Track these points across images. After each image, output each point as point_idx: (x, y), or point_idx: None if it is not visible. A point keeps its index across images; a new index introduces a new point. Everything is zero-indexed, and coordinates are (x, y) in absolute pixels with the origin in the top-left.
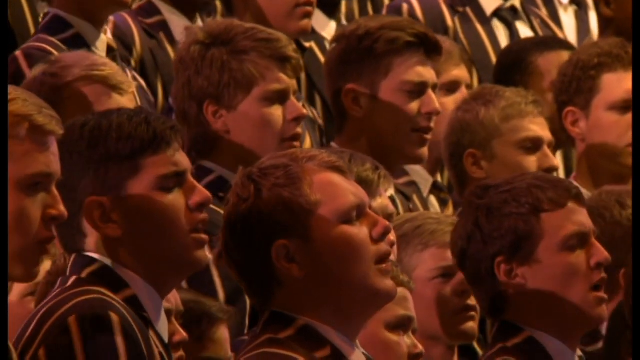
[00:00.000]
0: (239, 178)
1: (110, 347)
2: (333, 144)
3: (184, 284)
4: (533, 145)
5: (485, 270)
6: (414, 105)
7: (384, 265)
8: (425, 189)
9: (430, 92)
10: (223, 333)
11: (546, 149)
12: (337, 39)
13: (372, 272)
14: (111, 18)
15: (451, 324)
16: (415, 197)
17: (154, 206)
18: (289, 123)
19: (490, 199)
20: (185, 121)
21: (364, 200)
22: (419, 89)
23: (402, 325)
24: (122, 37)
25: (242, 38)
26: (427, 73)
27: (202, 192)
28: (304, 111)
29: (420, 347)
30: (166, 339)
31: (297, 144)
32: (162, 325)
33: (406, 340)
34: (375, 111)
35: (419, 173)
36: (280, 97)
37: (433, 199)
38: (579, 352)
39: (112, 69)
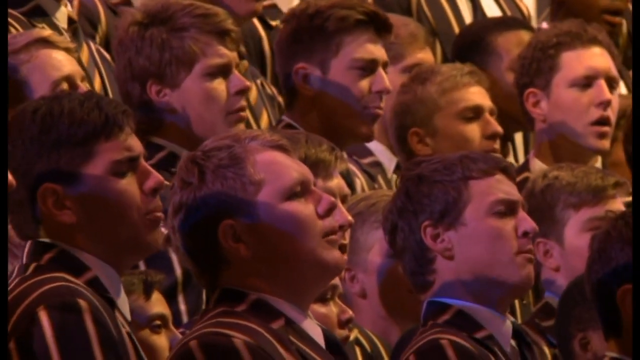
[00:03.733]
0: (182, 162)
1: (82, 334)
2: (284, 117)
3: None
4: (474, 114)
5: (415, 242)
6: (364, 84)
7: (332, 237)
8: (389, 169)
9: (380, 70)
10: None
11: (487, 116)
12: (287, 18)
13: (320, 245)
14: None
15: (409, 302)
16: (380, 178)
17: (108, 192)
18: (233, 96)
19: (421, 169)
20: (130, 102)
21: (308, 177)
22: (369, 67)
23: (324, 294)
24: (87, 14)
25: (180, 15)
26: (377, 51)
27: (155, 176)
28: (247, 83)
29: (350, 312)
30: (129, 317)
31: (243, 114)
32: (124, 303)
33: (333, 309)
34: (325, 90)
35: (383, 153)
36: (223, 71)
37: (396, 180)
38: (510, 318)
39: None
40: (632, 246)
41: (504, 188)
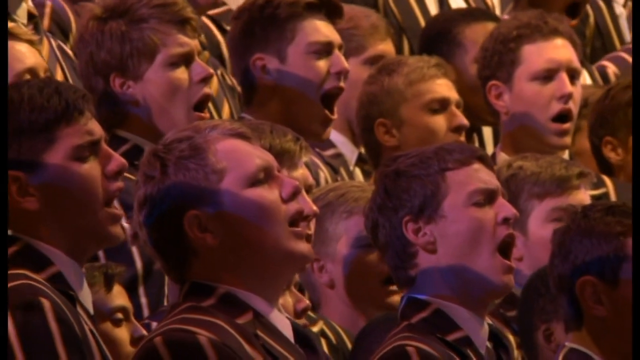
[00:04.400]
0: (144, 157)
1: (45, 334)
2: (243, 115)
3: (102, 253)
4: (440, 106)
5: (396, 237)
6: (322, 66)
7: (298, 229)
8: (351, 160)
9: (337, 51)
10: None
11: (454, 109)
12: (237, 15)
13: (286, 234)
14: (49, 3)
15: (377, 293)
16: (342, 170)
17: (70, 177)
18: (196, 84)
19: (398, 165)
20: (94, 96)
21: (271, 163)
22: (326, 50)
23: None
24: (59, 22)
25: (138, 7)
26: (331, 34)
27: (117, 159)
28: (211, 70)
29: (306, 302)
30: (91, 310)
31: (204, 115)
32: (87, 298)
33: (288, 299)
34: (284, 78)
35: (345, 145)
36: (185, 60)
37: (358, 171)
38: (488, 320)
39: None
40: (591, 239)
41: (482, 177)
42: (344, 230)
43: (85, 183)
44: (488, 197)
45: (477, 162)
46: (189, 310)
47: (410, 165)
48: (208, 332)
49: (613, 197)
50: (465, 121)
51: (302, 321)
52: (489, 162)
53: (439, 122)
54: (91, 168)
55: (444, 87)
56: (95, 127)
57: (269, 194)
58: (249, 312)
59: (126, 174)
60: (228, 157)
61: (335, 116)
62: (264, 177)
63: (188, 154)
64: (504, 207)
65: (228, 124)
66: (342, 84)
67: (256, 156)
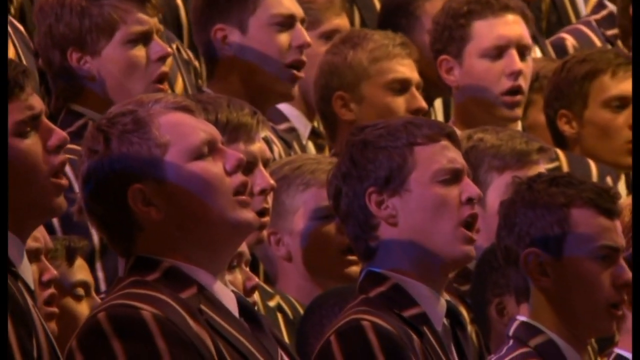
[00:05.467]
0: (88, 131)
1: None
2: (205, 89)
3: (58, 227)
4: (401, 86)
5: (359, 207)
6: (283, 39)
7: (242, 197)
8: (304, 135)
9: (299, 25)
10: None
11: (414, 91)
12: None
13: (231, 204)
14: None
15: (336, 264)
16: (295, 144)
17: (12, 153)
18: (154, 63)
19: (365, 135)
20: (51, 69)
21: (215, 136)
22: (288, 22)
23: (230, 262)
24: None
25: None
26: (294, 6)
27: (58, 133)
28: (169, 49)
29: (255, 279)
30: (31, 285)
31: (163, 86)
32: (26, 270)
33: (238, 276)
34: (245, 49)
35: (298, 119)
36: (144, 38)
37: (311, 145)
38: (446, 297)
39: None
40: (534, 210)
41: (449, 155)
42: (301, 203)
43: (27, 159)
44: (454, 176)
45: (446, 139)
46: (133, 285)
47: (378, 136)
48: (152, 307)
49: (566, 169)
50: (424, 104)
51: (250, 299)
52: (457, 139)
53: (398, 102)
54: (32, 143)
55: (406, 68)
56: (36, 102)
57: (212, 167)
58: (193, 287)
59: (78, 148)
60: (171, 130)
61: (302, 74)
62: (208, 150)
63: (131, 128)
64: (468, 187)
65: (171, 97)
66: (303, 57)
67: (200, 129)
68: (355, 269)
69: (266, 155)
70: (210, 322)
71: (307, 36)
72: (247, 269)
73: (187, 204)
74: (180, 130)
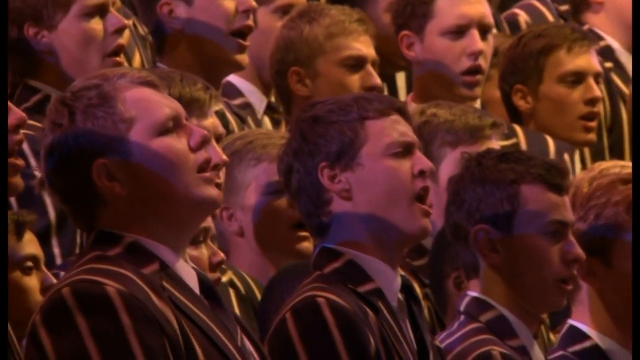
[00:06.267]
0: (52, 104)
1: None
2: (158, 64)
3: (15, 203)
4: (356, 63)
5: (311, 183)
6: (229, 5)
7: (206, 174)
8: (259, 110)
9: None
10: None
11: (369, 68)
12: None
13: (195, 181)
14: None
15: (287, 239)
16: (249, 119)
17: None
18: (110, 36)
19: (316, 111)
20: (8, 45)
21: (179, 112)
22: None
23: (196, 237)
24: None
25: None
26: None
27: (16, 112)
28: (125, 22)
29: (222, 255)
30: None
31: (120, 59)
32: None
33: (204, 252)
34: (192, 20)
35: (254, 94)
36: (100, 11)
37: (267, 120)
38: (400, 271)
39: None
40: (484, 186)
41: (400, 129)
42: (253, 178)
43: None
44: (405, 149)
45: (396, 113)
46: (95, 260)
47: (328, 111)
48: (116, 282)
49: (524, 146)
50: (378, 81)
51: (215, 275)
52: (407, 114)
53: (353, 79)
54: None
55: (363, 45)
56: None
57: (177, 143)
58: (155, 263)
59: (35, 123)
60: (137, 105)
61: (248, 43)
62: (173, 126)
63: (97, 102)
64: (420, 160)
65: (137, 72)
66: (250, 22)
67: (165, 105)
68: (306, 245)
69: (219, 131)
70: (172, 299)
71: (253, 1)
72: (213, 245)
73: (151, 179)
74: (146, 105)
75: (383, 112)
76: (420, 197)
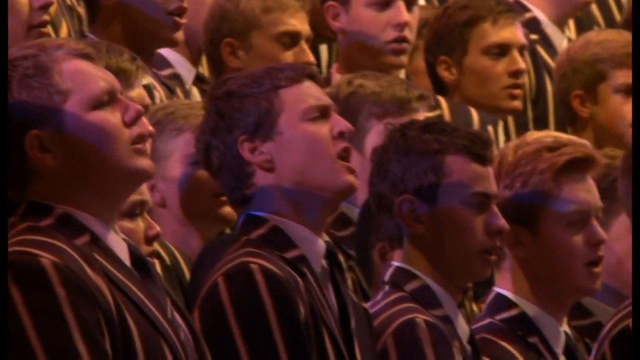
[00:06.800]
0: None
1: None
2: (88, 34)
3: None
4: (291, 39)
5: (232, 158)
6: None
7: (139, 145)
8: (188, 80)
9: None
10: None
11: (303, 44)
12: None
13: (128, 153)
14: None
15: (210, 206)
16: (178, 90)
17: None
18: (36, 11)
19: (228, 86)
20: None
21: (115, 86)
22: None
23: (132, 210)
24: None
25: None
26: None
27: None
28: None
29: (157, 228)
30: None
31: (45, 30)
32: None
33: (140, 224)
34: None
35: (182, 64)
36: None
37: (196, 91)
38: (324, 237)
39: None
40: (408, 157)
41: (315, 94)
42: (174, 148)
43: None
44: (322, 113)
45: (308, 79)
46: (27, 231)
47: (241, 85)
48: (50, 254)
49: (447, 117)
50: (312, 58)
51: (150, 248)
52: (319, 79)
53: (287, 56)
54: None
55: (298, 21)
56: None
57: (111, 117)
58: (86, 234)
59: None
60: (73, 77)
61: (184, 20)
62: (108, 100)
63: (33, 73)
64: (338, 122)
65: (74, 44)
66: (185, 4)
67: (101, 78)
68: (228, 210)
69: (145, 102)
70: (105, 270)
71: None
72: (149, 218)
73: (84, 152)
74: (82, 78)
75: (295, 79)
76: (343, 156)
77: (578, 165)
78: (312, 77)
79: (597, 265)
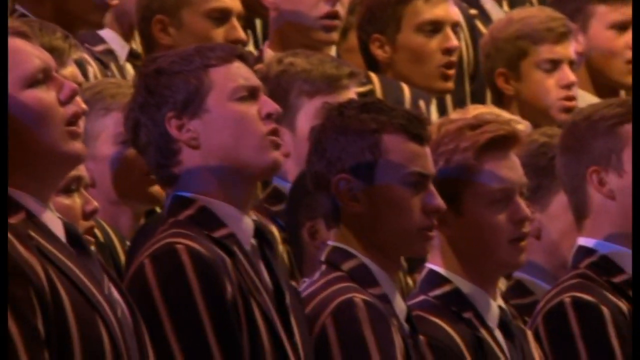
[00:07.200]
0: None
1: None
2: (16, 7)
3: None
4: (222, 15)
5: (159, 135)
6: None
7: (73, 128)
8: (122, 56)
9: None
10: None
11: (234, 21)
12: None
13: (61, 135)
14: None
15: (140, 185)
16: (112, 65)
17: None
18: None
19: (159, 64)
20: None
21: (50, 64)
22: None
23: (68, 186)
24: None
25: None
26: None
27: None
28: None
29: (95, 204)
30: None
31: None
32: None
33: (77, 200)
34: None
35: (116, 40)
36: None
37: (129, 67)
38: (252, 216)
39: None
40: (346, 136)
41: (244, 74)
42: (103, 128)
43: None
44: (250, 93)
45: (238, 60)
46: None
47: (171, 62)
48: None
49: (379, 93)
50: (242, 35)
51: (88, 223)
52: (249, 60)
53: (218, 32)
54: None
55: None
56: None
57: (46, 96)
58: (22, 212)
59: None
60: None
61: (115, 1)
62: (42, 78)
63: None
64: (266, 103)
65: (9, 22)
66: None
67: (35, 56)
68: (159, 188)
69: (78, 79)
70: (40, 248)
71: None
72: (86, 193)
73: (19, 131)
74: (17, 56)
75: (225, 59)
76: (270, 137)
77: (500, 143)
78: (242, 57)
79: (522, 241)
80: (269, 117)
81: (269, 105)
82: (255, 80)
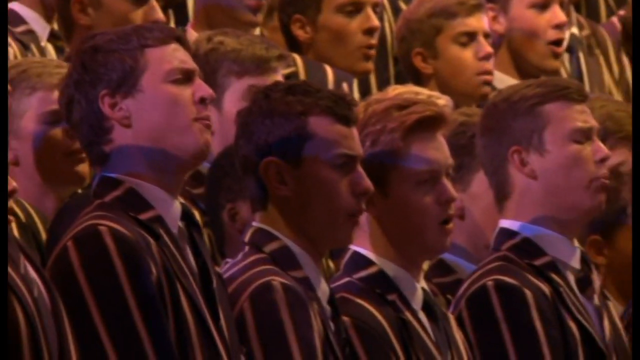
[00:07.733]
0: None
1: None
2: None
3: None
4: None
5: (92, 112)
6: None
7: None
8: (43, 37)
9: None
10: None
11: (153, 2)
12: None
13: None
14: None
15: (65, 164)
16: (33, 46)
17: None
18: None
19: (95, 41)
20: None
21: None
22: None
23: None
24: None
25: None
26: None
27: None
28: None
29: (14, 184)
30: None
31: None
32: None
33: None
34: None
35: (37, 21)
36: None
37: (50, 48)
38: (180, 199)
39: None
40: (272, 119)
41: (180, 56)
42: (28, 107)
43: None
44: (186, 76)
45: (175, 42)
46: None
47: (108, 40)
48: None
49: (302, 75)
50: (161, 16)
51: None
52: (186, 43)
53: (137, 14)
54: None
55: None
56: None
57: None
58: None
59: None
60: None
61: None
62: None
63: None
64: (201, 87)
65: None
66: None
67: None
68: (83, 167)
69: None
70: None
71: None
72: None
73: None
74: None
75: (163, 40)
76: (205, 117)
77: (427, 124)
78: (180, 40)
79: (448, 223)
80: (202, 101)
81: (203, 89)
82: (191, 64)
